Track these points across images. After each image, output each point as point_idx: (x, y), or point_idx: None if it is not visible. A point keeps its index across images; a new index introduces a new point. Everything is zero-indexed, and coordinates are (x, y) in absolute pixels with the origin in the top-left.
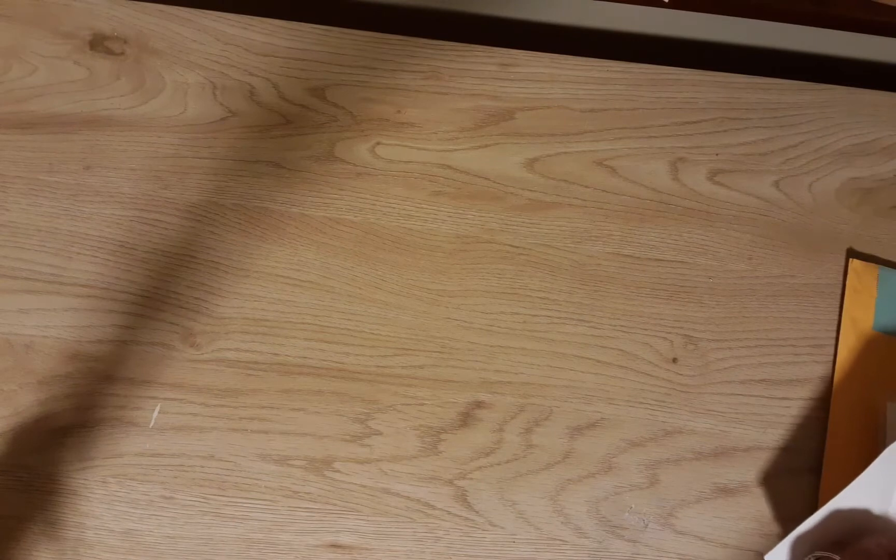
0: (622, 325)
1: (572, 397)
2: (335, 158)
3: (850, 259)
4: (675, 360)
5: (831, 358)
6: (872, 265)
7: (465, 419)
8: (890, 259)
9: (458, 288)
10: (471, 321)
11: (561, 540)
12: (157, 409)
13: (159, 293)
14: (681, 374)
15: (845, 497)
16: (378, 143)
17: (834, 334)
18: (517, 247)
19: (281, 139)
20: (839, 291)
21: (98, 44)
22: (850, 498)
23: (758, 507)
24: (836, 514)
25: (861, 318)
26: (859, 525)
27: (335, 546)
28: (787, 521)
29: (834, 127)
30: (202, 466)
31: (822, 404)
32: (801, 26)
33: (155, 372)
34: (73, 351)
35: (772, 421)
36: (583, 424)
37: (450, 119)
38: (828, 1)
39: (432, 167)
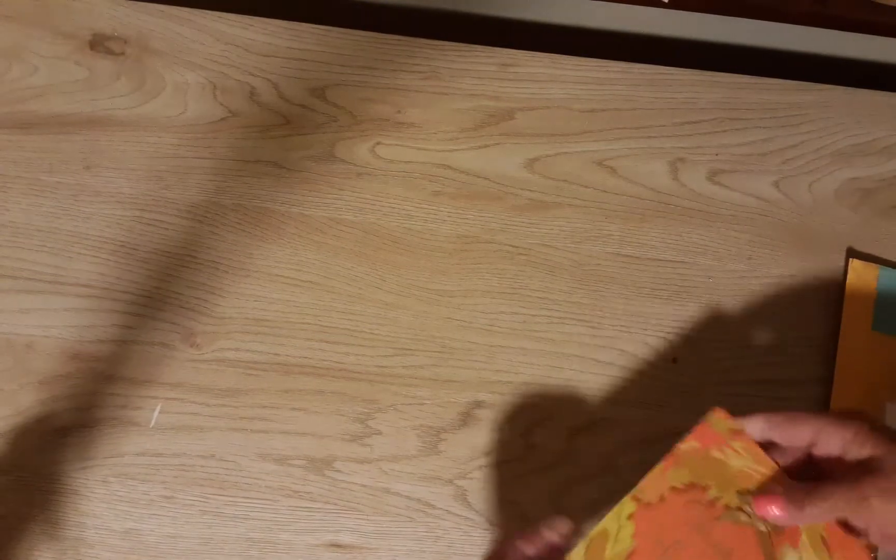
0: (622, 325)
1: (572, 397)
2: (335, 158)
3: (850, 259)
4: (675, 361)
5: (831, 358)
6: (872, 265)
7: (465, 419)
8: (890, 259)
9: (458, 288)
10: (471, 321)
11: None
12: (158, 408)
13: (159, 293)
14: (681, 374)
15: None
16: (378, 143)
17: (834, 334)
18: (517, 247)
19: (281, 139)
20: (839, 291)
21: (98, 44)
22: None
23: None
24: None
25: (861, 318)
26: None
27: (335, 545)
28: None
29: (834, 127)
30: (203, 466)
31: (822, 404)
32: (801, 26)
33: (155, 372)
34: (73, 351)
35: None
36: (583, 424)
37: (450, 119)
38: (828, 1)
39: (432, 167)
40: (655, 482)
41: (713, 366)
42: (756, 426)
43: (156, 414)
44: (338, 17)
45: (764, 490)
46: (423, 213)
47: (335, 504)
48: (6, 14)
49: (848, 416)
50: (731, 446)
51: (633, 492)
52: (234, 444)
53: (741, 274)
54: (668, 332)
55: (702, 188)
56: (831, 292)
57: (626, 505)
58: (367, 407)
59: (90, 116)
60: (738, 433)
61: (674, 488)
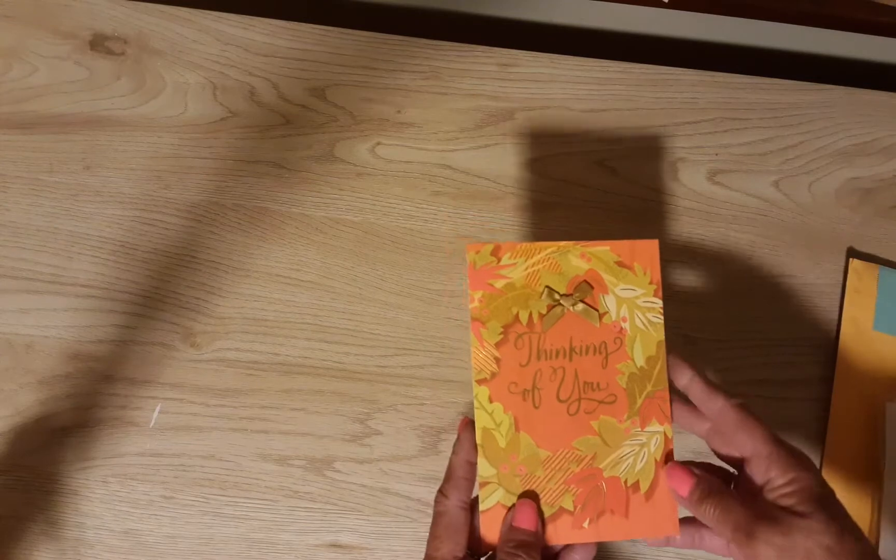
0: None
1: None
2: (335, 158)
3: (851, 259)
4: None
5: (831, 358)
6: (873, 265)
7: None
8: (890, 259)
9: (458, 288)
10: None
11: None
12: (158, 409)
13: (159, 293)
14: None
15: None
16: (378, 143)
17: (834, 334)
18: None
19: (281, 139)
20: (839, 291)
21: (98, 44)
22: None
23: None
24: None
25: (861, 318)
26: None
27: (335, 546)
28: None
29: (834, 127)
30: (202, 466)
31: (822, 404)
32: (801, 26)
33: (155, 372)
34: (73, 351)
35: (772, 421)
36: None
37: (450, 119)
38: (828, 1)
39: (432, 167)
40: (481, 355)
41: (713, 366)
42: (715, 404)
43: (156, 414)
44: (338, 17)
45: (676, 464)
46: (423, 213)
47: (335, 504)
48: (6, 14)
49: (796, 456)
50: (501, 265)
51: (473, 378)
52: (234, 444)
53: (741, 274)
54: (668, 333)
55: (702, 188)
56: (831, 292)
57: (480, 393)
58: (367, 407)
59: (90, 116)
60: (497, 248)
61: (497, 344)
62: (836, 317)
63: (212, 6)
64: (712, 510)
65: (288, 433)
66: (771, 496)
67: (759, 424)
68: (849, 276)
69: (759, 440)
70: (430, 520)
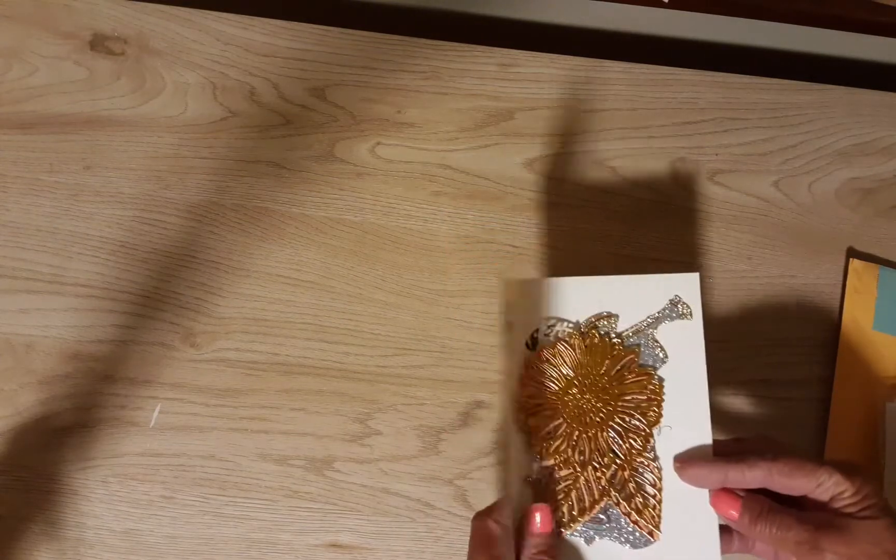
0: None
1: None
2: (335, 158)
3: (851, 259)
4: None
5: (831, 358)
6: (873, 265)
7: (465, 419)
8: (890, 259)
9: (458, 288)
10: (471, 321)
11: None
12: (158, 408)
13: (159, 293)
14: None
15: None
16: (378, 143)
17: (834, 334)
18: (517, 247)
19: (281, 139)
20: (839, 291)
21: (98, 44)
22: None
23: None
24: None
25: (861, 318)
26: None
27: (335, 546)
28: None
29: (834, 127)
30: (202, 466)
31: (822, 404)
32: (801, 26)
33: (155, 372)
34: (73, 351)
35: (772, 421)
36: None
37: (450, 119)
38: (827, 1)
39: (432, 167)
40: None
41: (713, 366)
42: (756, 475)
43: (156, 414)
44: (338, 17)
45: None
46: (423, 213)
47: (335, 504)
48: (6, 14)
49: (856, 467)
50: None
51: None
52: (234, 444)
53: (741, 274)
54: None
55: (702, 188)
56: (831, 292)
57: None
58: (367, 407)
59: (90, 116)
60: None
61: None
62: (836, 317)
63: (212, 6)
64: (768, 529)
65: (288, 433)
66: (838, 504)
67: (809, 459)
68: (849, 276)
69: (817, 472)
70: (429, 519)
